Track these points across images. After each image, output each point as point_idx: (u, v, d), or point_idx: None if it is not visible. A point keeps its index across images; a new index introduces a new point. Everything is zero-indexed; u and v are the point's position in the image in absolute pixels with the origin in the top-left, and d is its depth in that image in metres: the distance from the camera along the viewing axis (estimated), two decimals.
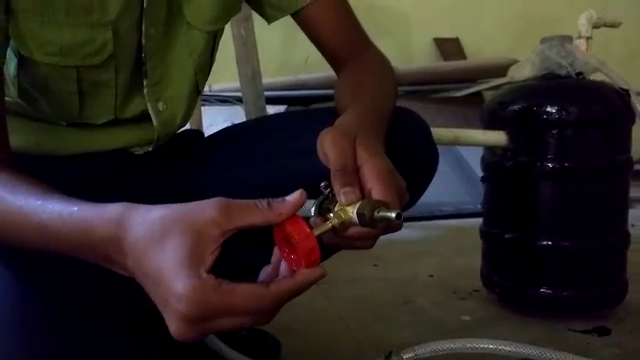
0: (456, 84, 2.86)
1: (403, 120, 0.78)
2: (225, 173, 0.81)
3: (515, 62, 1.30)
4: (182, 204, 0.48)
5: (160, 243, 0.45)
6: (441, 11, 3.31)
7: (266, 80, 2.07)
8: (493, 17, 3.34)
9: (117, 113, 0.75)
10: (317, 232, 0.49)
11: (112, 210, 0.49)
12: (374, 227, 0.50)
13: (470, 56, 3.26)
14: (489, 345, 0.77)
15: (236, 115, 2.47)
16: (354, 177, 0.53)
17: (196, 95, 0.83)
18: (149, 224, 0.46)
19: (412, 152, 0.77)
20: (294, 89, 2.71)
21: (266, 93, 1.99)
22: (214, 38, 0.81)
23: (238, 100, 2.25)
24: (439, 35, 3.31)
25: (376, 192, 0.52)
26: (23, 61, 0.69)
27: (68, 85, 0.70)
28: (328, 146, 0.55)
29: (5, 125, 0.64)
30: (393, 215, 0.48)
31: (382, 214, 0.49)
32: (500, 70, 2.57)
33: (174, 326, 0.45)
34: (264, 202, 0.48)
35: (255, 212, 0.47)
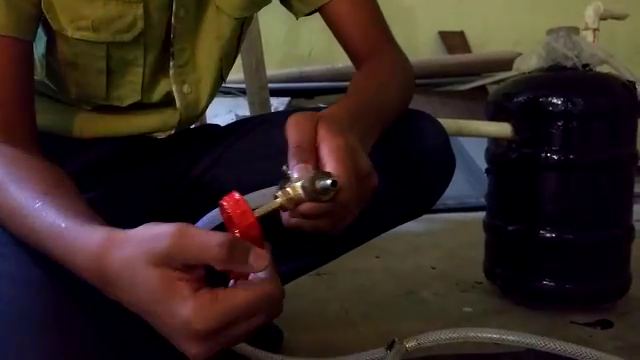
0: (461, 77, 2.85)
1: (419, 124, 0.78)
2: (232, 166, 0.82)
3: (520, 56, 1.29)
4: (145, 234, 0.45)
5: (134, 285, 0.44)
6: (446, 4, 3.31)
7: (270, 72, 2.06)
8: (498, 10, 3.32)
9: (143, 94, 0.76)
10: (263, 210, 0.47)
11: (93, 242, 0.47)
12: (320, 200, 0.49)
13: (475, 49, 3.26)
14: (492, 335, 0.77)
15: (239, 106, 2.47)
16: (309, 154, 0.51)
17: (220, 82, 0.84)
18: (122, 267, 0.45)
19: (429, 159, 0.77)
20: (298, 81, 2.70)
21: (270, 85, 1.98)
22: (241, 26, 0.82)
23: (241, 91, 2.24)
24: (444, 28, 3.30)
25: (328, 167, 0.51)
26: (53, 38, 0.69)
27: (97, 62, 0.71)
28: (289, 127, 0.54)
29: (32, 104, 0.65)
30: (329, 182, 0.48)
31: (322, 182, 0.48)
32: (505, 64, 2.56)
33: (192, 349, 0.44)
34: (224, 250, 0.43)
35: (207, 254, 0.43)
